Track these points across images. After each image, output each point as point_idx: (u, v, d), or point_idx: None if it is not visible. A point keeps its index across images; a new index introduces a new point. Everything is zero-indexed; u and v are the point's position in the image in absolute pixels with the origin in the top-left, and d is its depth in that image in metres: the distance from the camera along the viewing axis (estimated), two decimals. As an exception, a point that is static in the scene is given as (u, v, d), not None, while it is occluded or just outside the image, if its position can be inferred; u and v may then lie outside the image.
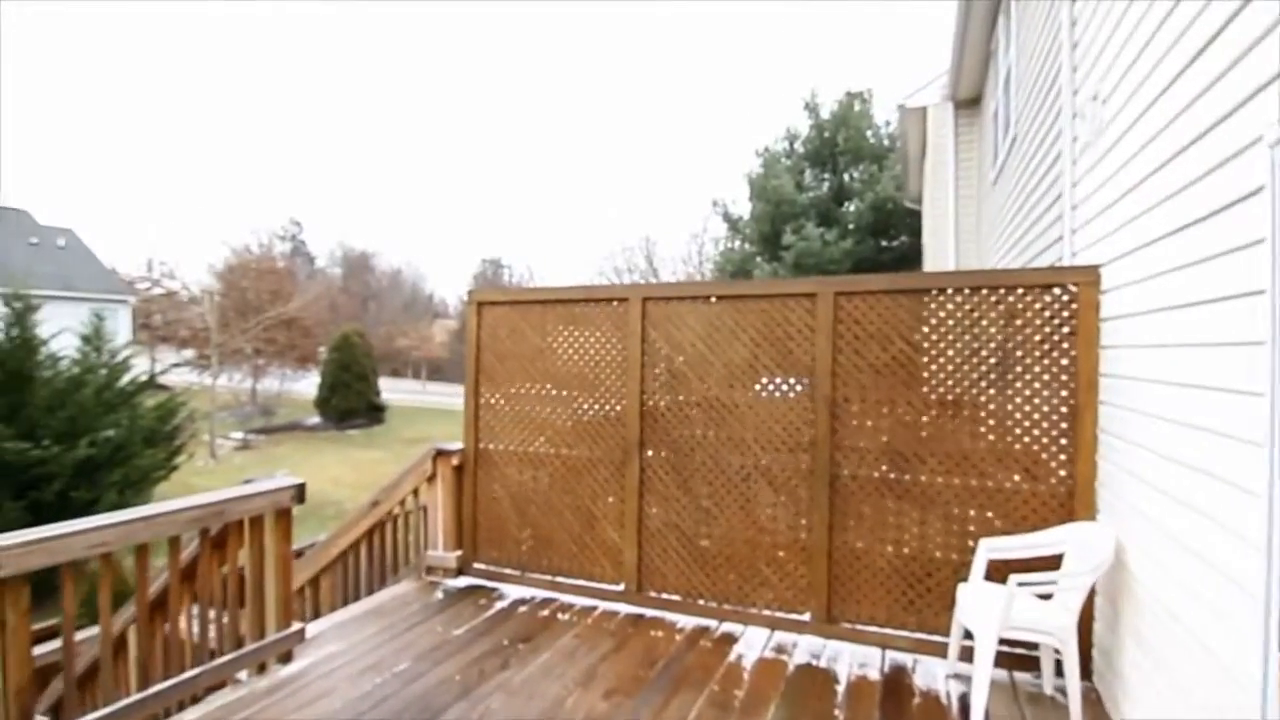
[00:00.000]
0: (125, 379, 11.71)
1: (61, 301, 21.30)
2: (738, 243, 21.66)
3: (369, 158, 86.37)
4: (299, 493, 3.31)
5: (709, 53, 77.61)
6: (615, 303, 4.15)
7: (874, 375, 3.54)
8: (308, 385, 28.03)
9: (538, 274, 52.01)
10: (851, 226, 17.86)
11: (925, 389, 3.44)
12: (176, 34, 78.70)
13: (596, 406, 4.21)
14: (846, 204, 19.33)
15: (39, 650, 3.31)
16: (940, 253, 10.18)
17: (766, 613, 3.74)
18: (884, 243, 18.08)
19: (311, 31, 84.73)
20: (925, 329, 3.44)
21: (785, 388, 3.78)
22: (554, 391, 4.32)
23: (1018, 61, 5.86)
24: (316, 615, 4.85)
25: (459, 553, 4.53)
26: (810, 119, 20.05)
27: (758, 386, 3.82)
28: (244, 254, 31.68)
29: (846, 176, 19.69)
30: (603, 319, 4.18)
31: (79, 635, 3.79)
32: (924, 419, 3.45)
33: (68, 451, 9.41)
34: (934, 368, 3.44)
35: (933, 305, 3.43)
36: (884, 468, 3.51)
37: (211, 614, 3.06)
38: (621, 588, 4.10)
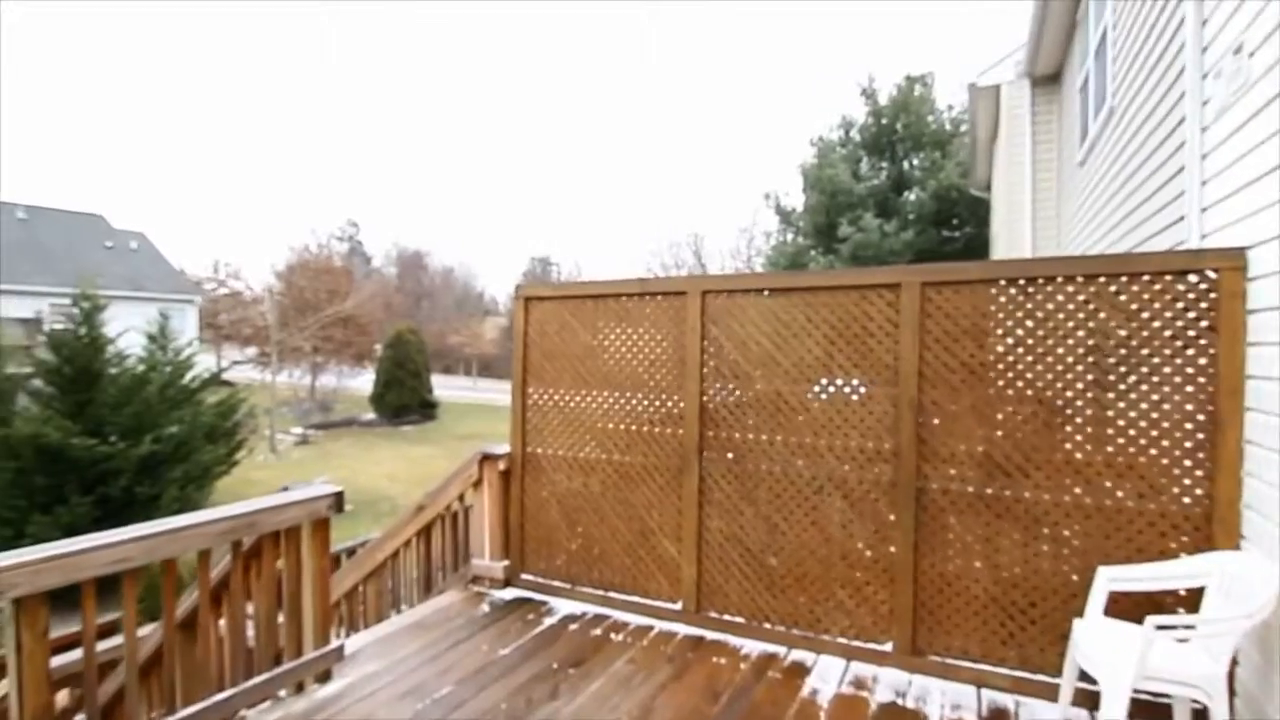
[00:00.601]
0: (188, 376, 12.03)
1: (132, 302, 22.22)
2: (789, 235, 21.03)
3: (423, 159, 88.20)
4: (337, 501, 3.10)
5: (758, 43, 76.33)
6: (672, 296, 3.82)
7: (967, 376, 3.11)
8: (363, 382, 28.68)
9: (585, 271, 52.23)
10: (912, 216, 17.06)
11: (1030, 391, 3.00)
12: (242, 45, 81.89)
13: (652, 409, 3.89)
14: (906, 193, 18.50)
15: (64, 660, 3.21)
16: (1015, 242, 9.48)
17: (842, 640, 3.36)
18: (946, 233, 17.20)
19: (368, 36, 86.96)
20: (1030, 323, 3.00)
21: (864, 389, 3.39)
22: (606, 392, 4.02)
23: (1116, 24, 5.27)
24: (361, 625, 4.71)
25: (506, 562, 4.30)
26: (867, 105, 19.26)
27: (831, 388, 3.44)
28: (304, 254, 32.66)
29: (906, 164, 18.85)
30: (658, 314, 3.86)
31: (105, 645, 3.67)
32: (1027, 426, 3.01)
33: (132, 448, 9.66)
34: (1039, 367, 2.99)
35: (1039, 296, 2.99)
36: (979, 481, 3.09)
37: (247, 631, 2.88)
38: (679, 606, 3.78)
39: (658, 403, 3.88)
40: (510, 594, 4.22)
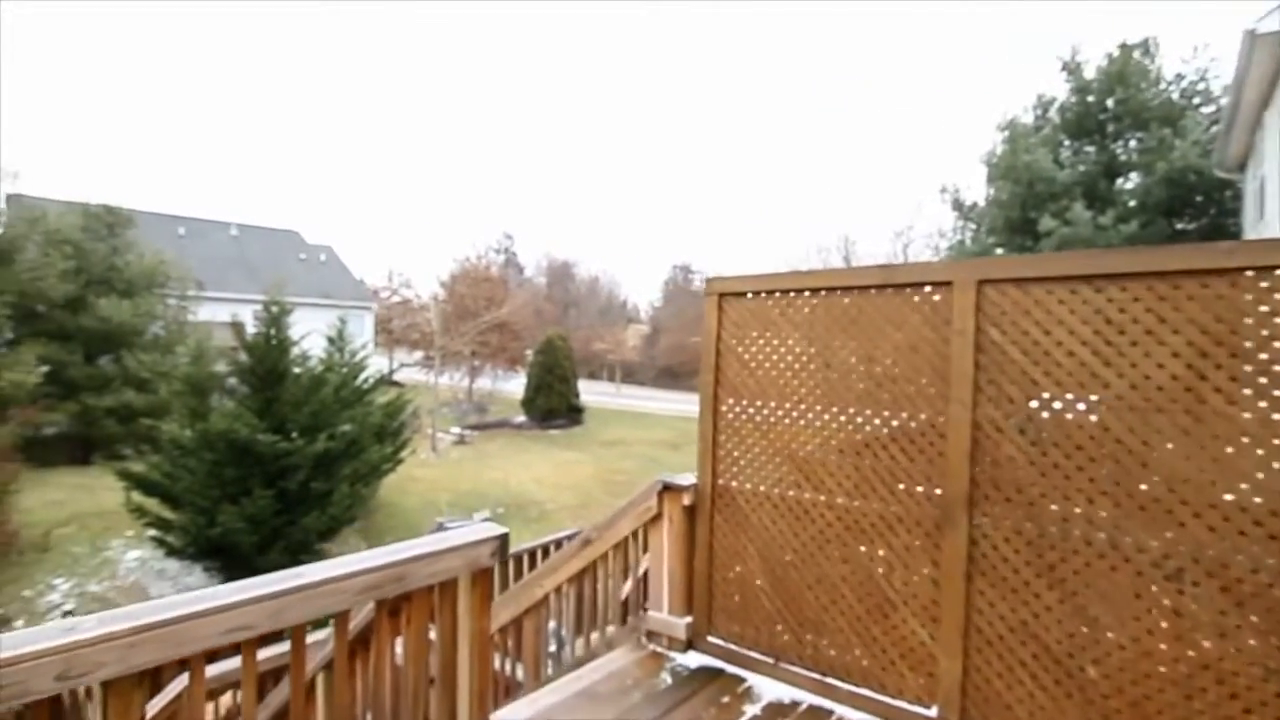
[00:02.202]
0: (361, 377, 12.57)
1: (318, 309, 24.33)
2: (969, 233, 18.72)
3: (572, 173, 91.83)
4: (501, 546, 2.43)
5: (910, 37, 71.33)
6: (930, 288, 2.81)
7: None
8: (516, 385, 29.69)
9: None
10: (1132, 205, 14.39)
11: None
12: (415, 72, 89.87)
13: (894, 440, 2.90)
14: (1119, 179, 15.74)
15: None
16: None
17: (1223, 813, 2.18)
18: (1179, 224, 14.34)
19: (522, 58, 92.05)
20: None
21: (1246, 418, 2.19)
22: (826, 415, 3.09)
23: None
24: (517, 662, 4.13)
25: (689, 619, 3.48)
26: (1070, 81, 16.66)
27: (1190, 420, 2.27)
28: (465, 264, 34.63)
29: (1119, 146, 16.05)
30: (907, 312, 2.87)
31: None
32: None
33: (310, 445, 10.08)
34: None
35: None
36: None
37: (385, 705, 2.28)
38: (934, 713, 2.75)
39: (903, 432, 2.88)
40: (695, 660, 3.40)
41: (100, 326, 16.59)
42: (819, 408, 3.11)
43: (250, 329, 10.85)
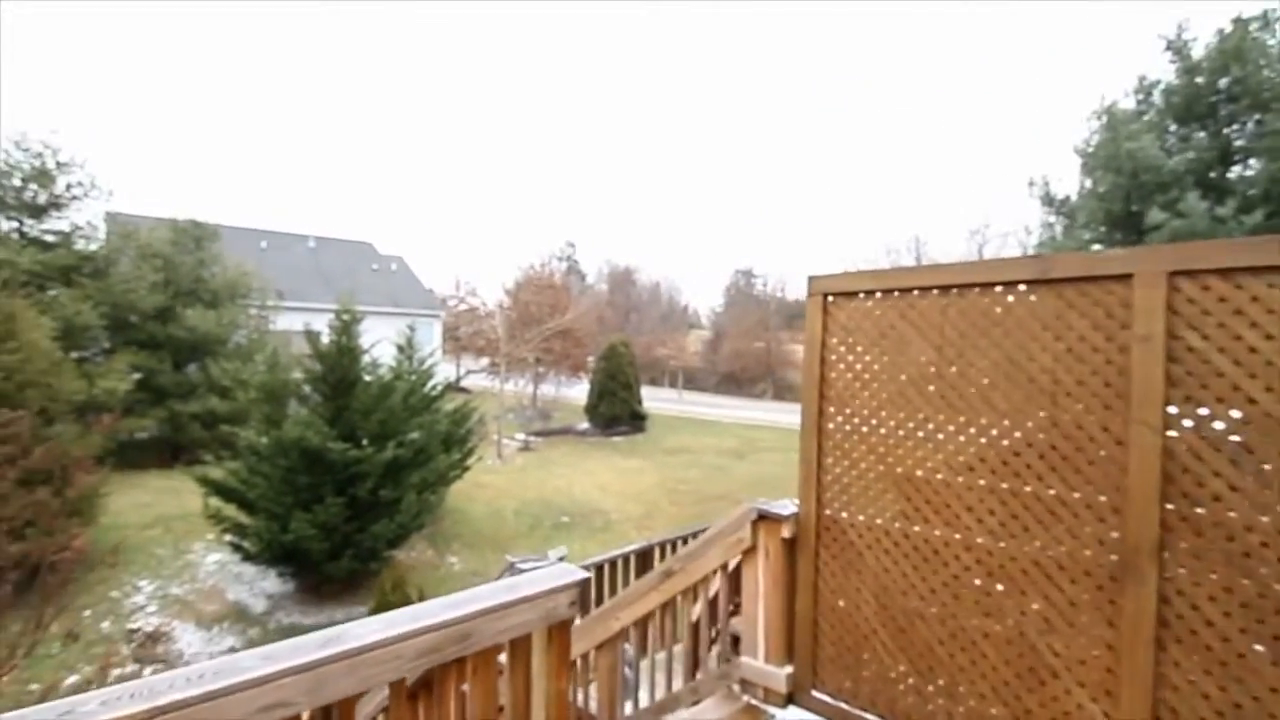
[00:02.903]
0: (429, 385, 12.58)
1: (389, 317, 24.93)
2: (1060, 228, 17.39)
3: (633, 179, 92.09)
4: (581, 594, 2.06)
5: (984, 24, 68.18)
6: (1101, 282, 2.28)
7: None
8: (578, 392, 29.66)
9: (790, 286, 49.92)
10: (1253, 194, 12.97)
11: None
12: (482, 86, 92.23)
13: (1053, 469, 2.38)
14: (1236, 166, 14.26)
15: None
16: None
17: None
18: (1312, 215, 12.80)
19: (578, 67, 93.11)
20: None
21: None
22: (961, 436, 2.58)
23: None
24: (588, 694, 3.75)
25: (789, 669, 3.02)
26: (1176, 62, 15.24)
27: None
28: (529, 272, 34.98)
29: (1235, 130, 14.55)
30: (1069, 313, 2.35)
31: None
32: None
33: (379, 452, 10.06)
34: None
35: None
36: None
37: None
38: (1113, 813, 2.21)
39: (1064, 460, 2.35)
40: (798, 717, 2.94)
41: (187, 336, 17.34)
42: (951, 428, 2.61)
43: (324, 337, 10.98)
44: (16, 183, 15.54)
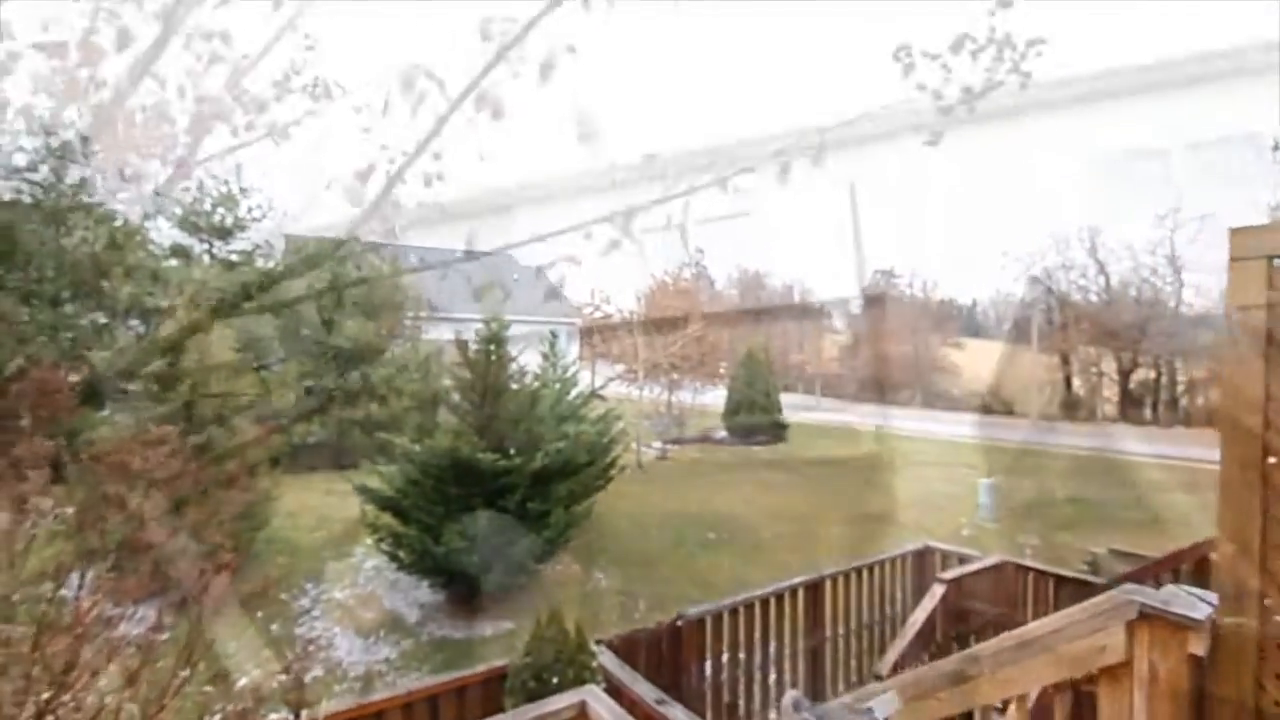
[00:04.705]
0: (573, 393, 12.21)
1: (530, 326, 25.38)
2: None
3: (762, 183, 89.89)
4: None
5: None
6: None
7: None
8: (714, 398, 28.80)
9: (941, 285, 46.14)
10: None
11: None
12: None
13: None
14: None
15: None
16: None
17: None
18: None
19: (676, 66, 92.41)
20: None
21: None
22: None
23: None
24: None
25: None
26: None
27: None
28: (662, 279, 34.70)
29: None
30: None
31: None
32: None
33: (527, 463, 9.71)
34: None
35: None
36: None
37: None
38: None
39: None
40: None
41: (349, 345, 18.38)
42: None
43: (472, 347, 10.86)
44: (207, 207, 17.15)
